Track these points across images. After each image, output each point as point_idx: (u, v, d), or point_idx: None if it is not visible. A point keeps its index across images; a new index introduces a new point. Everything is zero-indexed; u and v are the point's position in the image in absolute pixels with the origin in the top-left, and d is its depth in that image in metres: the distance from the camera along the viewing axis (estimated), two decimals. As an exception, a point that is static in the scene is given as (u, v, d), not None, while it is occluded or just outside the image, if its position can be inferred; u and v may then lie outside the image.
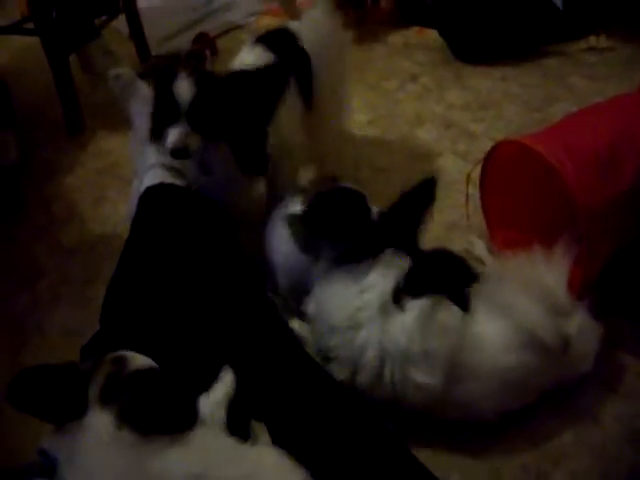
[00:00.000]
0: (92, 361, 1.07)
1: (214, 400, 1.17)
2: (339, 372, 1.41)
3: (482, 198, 1.91)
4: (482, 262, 1.86)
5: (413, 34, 3.08)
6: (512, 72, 2.74)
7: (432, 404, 1.40)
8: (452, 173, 2.21)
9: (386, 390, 1.38)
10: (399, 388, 1.37)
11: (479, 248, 1.90)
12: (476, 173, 1.88)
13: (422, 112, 2.55)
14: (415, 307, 1.36)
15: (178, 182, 1.81)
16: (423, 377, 1.35)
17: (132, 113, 1.99)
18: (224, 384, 1.21)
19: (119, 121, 2.51)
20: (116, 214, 2.17)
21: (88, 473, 0.96)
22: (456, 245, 1.92)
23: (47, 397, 1.01)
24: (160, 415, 1.01)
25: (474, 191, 1.93)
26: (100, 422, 0.98)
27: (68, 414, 1.00)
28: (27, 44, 3.09)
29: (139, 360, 1.09)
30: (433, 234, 1.95)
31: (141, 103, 1.95)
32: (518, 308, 1.39)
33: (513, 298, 1.42)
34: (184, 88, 1.57)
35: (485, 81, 2.70)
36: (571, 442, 1.45)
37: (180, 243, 1.63)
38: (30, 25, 2.66)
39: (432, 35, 2.99)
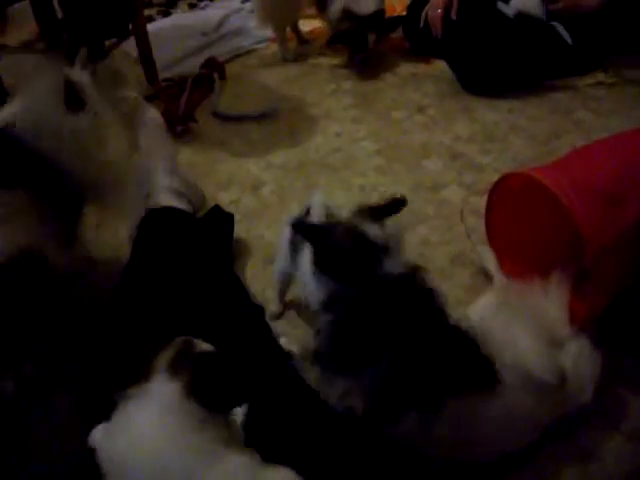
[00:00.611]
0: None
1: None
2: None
3: (487, 230, 1.89)
4: (490, 277, 1.84)
5: (422, 65, 3.09)
6: (519, 105, 2.73)
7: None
8: (457, 204, 2.19)
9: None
10: None
11: (489, 261, 1.87)
12: (479, 205, 1.87)
13: (429, 143, 2.55)
14: None
15: (182, 206, 1.82)
16: None
17: (138, 134, 2.00)
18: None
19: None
20: (116, 238, 2.14)
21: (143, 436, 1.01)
22: (460, 278, 1.91)
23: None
24: (224, 393, 1.08)
25: (478, 223, 1.92)
26: (167, 390, 1.03)
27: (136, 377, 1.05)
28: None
29: (204, 345, 1.14)
30: (437, 265, 1.95)
31: (146, 125, 1.97)
32: (517, 345, 1.37)
33: (511, 334, 1.39)
34: None
35: (492, 113, 2.70)
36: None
37: (179, 267, 1.64)
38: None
39: (441, 66, 2.99)
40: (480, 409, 1.31)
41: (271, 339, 1.59)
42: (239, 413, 1.21)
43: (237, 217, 2.07)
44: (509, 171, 1.83)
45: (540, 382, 1.33)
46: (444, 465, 1.37)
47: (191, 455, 1.00)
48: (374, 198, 2.25)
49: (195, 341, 1.13)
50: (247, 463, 1.04)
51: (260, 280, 1.90)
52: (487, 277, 1.86)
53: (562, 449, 1.46)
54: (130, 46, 3.12)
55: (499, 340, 1.38)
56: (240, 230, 2.09)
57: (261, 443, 1.13)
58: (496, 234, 1.88)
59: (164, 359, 1.07)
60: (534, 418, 1.37)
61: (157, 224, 1.78)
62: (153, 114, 2.01)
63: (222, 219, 1.99)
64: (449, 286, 1.87)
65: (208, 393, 1.04)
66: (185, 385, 1.03)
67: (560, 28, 2.70)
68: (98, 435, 1.06)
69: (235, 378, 1.10)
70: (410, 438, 1.34)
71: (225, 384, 1.08)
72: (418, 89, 2.92)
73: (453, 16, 2.85)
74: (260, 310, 1.71)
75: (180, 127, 2.63)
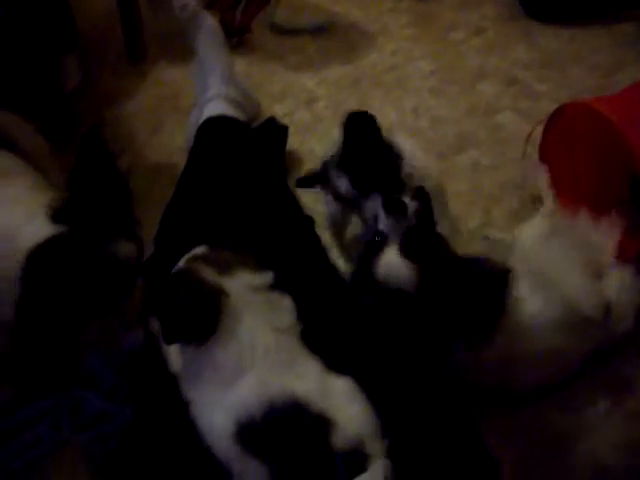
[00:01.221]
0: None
1: None
2: None
3: (541, 159, 1.88)
4: (540, 201, 1.82)
5: (484, -14, 3.00)
6: (582, 34, 2.65)
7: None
8: (510, 131, 2.18)
9: None
10: None
11: (542, 183, 1.83)
12: (536, 133, 1.86)
13: (485, 66, 2.51)
14: None
15: (238, 115, 1.83)
16: None
17: (196, 44, 2.00)
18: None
19: (180, 52, 2.54)
20: (172, 143, 2.18)
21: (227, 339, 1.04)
22: (508, 204, 1.91)
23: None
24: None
25: (532, 152, 1.91)
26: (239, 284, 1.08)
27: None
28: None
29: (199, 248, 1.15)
30: (485, 191, 1.96)
31: (207, 34, 1.96)
32: (563, 280, 1.39)
33: (558, 267, 1.41)
34: None
35: (553, 41, 2.63)
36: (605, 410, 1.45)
37: (235, 174, 1.66)
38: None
39: (503, -12, 2.91)
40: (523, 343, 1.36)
41: (320, 249, 1.62)
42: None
43: (290, 130, 2.09)
44: (566, 101, 1.81)
45: (585, 316, 1.36)
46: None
47: (275, 356, 1.06)
48: (424, 119, 2.25)
49: (195, 252, 1.14)
50: (317, 366, 1.09)
51: (310, 192, 1.93)
52: (535, 205, 1.86)
53: (597, 377, 1.50)
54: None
55: (545, 272, 1.41)
56: (292, 142, 2.12)
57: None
58: (550, 164, 1.87)
59: (212, 276, 1.08)
60: (576, 351, 1.41)
61: (213, 133, 1.79)
62: (212, 22, 2.00)
63: (276, 130, 2.00)
64: (497, 211, 1.89)
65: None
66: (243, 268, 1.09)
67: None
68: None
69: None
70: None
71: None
72: (478, 11, 2.85)
73: None
74: (310, 221, 1.73)
75: (236, 38, 2.63)
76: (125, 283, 1.30)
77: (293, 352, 1.09)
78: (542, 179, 1.83)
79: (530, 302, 1.39)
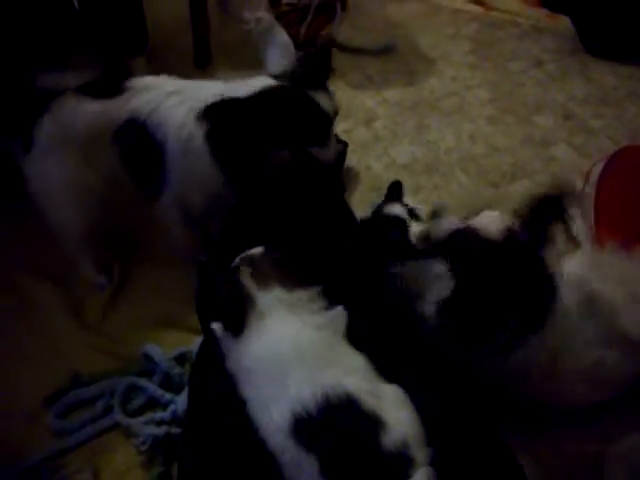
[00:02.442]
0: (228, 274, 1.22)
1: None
2: None
3: (597, 197, 1.91)
4: (574, 242, 1.84)
5: (545, 18, 3.04)
6: (640, 72, 2.69)
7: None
8: (564, 164, 2.22)
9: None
10: None
11: (577, 226, 1.85)
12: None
13: (543, 99, 2.55)
14: None
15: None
16: None
17: (267, 56, 2.07)
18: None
19: (246, 62, 2.62)
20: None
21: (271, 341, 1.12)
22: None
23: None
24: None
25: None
26: (271, 298, 1.15)
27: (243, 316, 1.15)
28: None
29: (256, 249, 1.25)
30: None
31: (279, 47, 2.04)
32: (615, 308, 1.42)
33: (609, 295, 1.44)
34: None
35: (611, 77, 2.66)
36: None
37: (297, 188, 1.72)
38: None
39: (564, 22, 2.93)
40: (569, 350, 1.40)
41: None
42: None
43: (349, 146, 2.15)
44: (621, 139, 1.84)
45: (629, 338, 1.39)
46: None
47: (315, 352, 1.11)
48: (481, 146, 2.29)
49: (248, 253, 1.24)
50: (365, 365, 1.13)
51: (365, 208, 1.97)
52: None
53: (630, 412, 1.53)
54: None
55: (593, 294, 1.44)
56: (351, 159, 2.19)
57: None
58: (605, 203, 1.90)
59: (249, 282, 1.17)
60: (620, 372, 1.44)
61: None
62: (285, 38, 2.08)
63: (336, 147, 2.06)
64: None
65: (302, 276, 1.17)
66: (282, 284, 1.15)
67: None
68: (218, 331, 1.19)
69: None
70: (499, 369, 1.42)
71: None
72: (538, 43, 2.89)
73: (584, -28, 2.79)
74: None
75: (300, 52, 2.69)
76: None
77: (337, 348, 1.14)
78: (578, 225, 1.86)
79: (577, 317, 1.43)
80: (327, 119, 1.56)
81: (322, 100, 1.54)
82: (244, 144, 1.54)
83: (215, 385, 1.22)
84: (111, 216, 1.80)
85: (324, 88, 1.59)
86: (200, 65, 2.75)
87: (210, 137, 1.53)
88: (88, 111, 1.59)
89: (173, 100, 1.55)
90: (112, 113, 1.58)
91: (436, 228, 1.43)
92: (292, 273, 1.17)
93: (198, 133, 1.54)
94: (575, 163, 2.18)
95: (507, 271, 1.32)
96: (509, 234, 1.33)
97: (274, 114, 1.51)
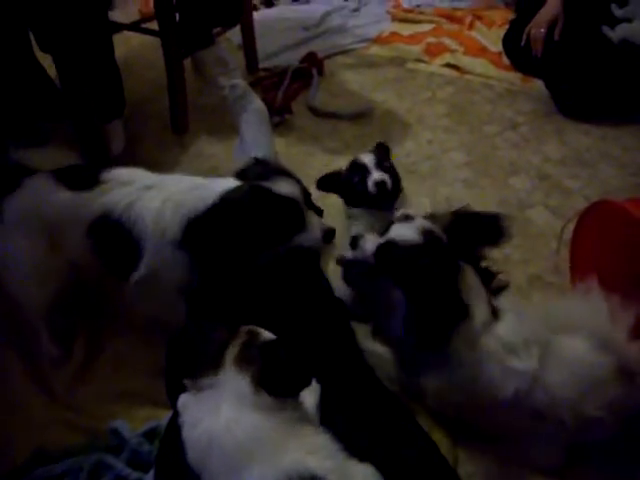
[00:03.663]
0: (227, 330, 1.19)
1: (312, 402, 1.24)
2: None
3: (572, 255, 1.90)
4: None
5: (518, 81, 3.09)
6: (613, 133, 2.72)
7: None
8: (541, 226, 2.22)
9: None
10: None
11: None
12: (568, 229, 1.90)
13: (518, 161, 2.57)
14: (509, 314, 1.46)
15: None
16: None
17: (241, 122, 2.07)
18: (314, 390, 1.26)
19: (222, 128, 2.63)
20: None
21: (223, 424, 1.06)
22: (536, 297, 1.94)
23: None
24: (291, 381, 1.13)
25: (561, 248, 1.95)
26: (237, 383, 1.09)
27: (207, 368, 1.12)
28: (143, 42, 3.25)
29: (267, 334, 1.19)
30: (515, 284, 1.97)
31: (252, 114, 2.04)
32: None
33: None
34: None
35: (585, 138, 2.69)
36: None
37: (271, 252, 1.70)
38: (149, 25, 2.80)
39: (537, 85, 3.00)
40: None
41: (349, 331, 1.64)
42: (313, 394, 1.26)
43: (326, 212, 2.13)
44: (597, 199, 1.85)
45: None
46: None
47: (272, 437, 1.07)
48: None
49: (259, 330, 1.19)
50: (329, 444, 1.09)
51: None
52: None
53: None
54: (233, 33, 3.22)
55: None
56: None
57: (336, 421, 1.19)
58: (580, 261, 1.90)
59: (232, 351, 1.13)
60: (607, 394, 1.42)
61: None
62: (259, 104, 2.08)
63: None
64: (525, 304, 1.90)
65: (276, 383, 1.10)
66: (253, 377, 1.09)
67: (666, 61, 2.67)
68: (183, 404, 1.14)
69: (299, 365, 1.14)
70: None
71: (290, 372, 1.13)
72: (512, 106, 2.93)
73: (556, 36, 2.85)
74: (340, 304, 1.76)
75: (277, 118, 2.71)
76: None
77: (299, 429, 1.10)
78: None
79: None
80: (296, 206, 1.55)
81: (286, 189, 1.54)
82: (221, 248, 1.55)
83: (182, 467, 1.16)
84: (75, 292, 1.77)
85: (285, 174, 1.60)
86: (177, 131, 2.75)
87: (185, 239, 1.54)
88: (61, 200, 1.61)
89: (148, 197, 1.56)
90: (86, 206, 1.59)
91: (361, 251, 1.53)
92: (270, 379, 1.11)
93: (174, 231, 1.55)
94: (551, 225, 2.18)
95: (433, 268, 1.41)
96: (429, 235, 1.46)
97: (243, 218, 1.52)
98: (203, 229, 1.52)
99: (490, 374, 1.40)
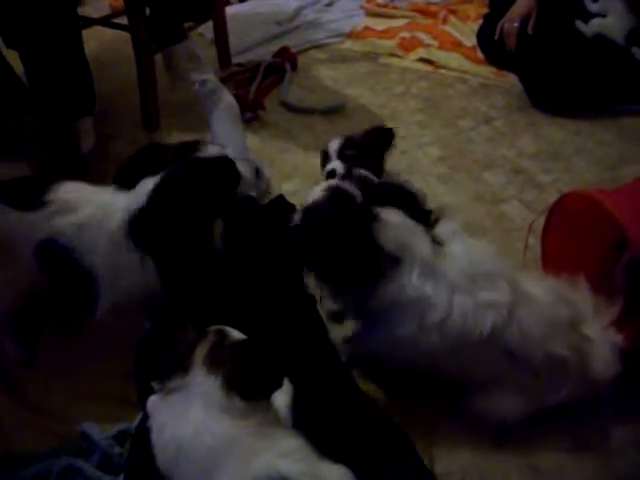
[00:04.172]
0: (196, 331, 1.17)
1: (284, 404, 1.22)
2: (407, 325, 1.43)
3: (543, 249, 1.90)
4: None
5: (492, 75, 3.08)
6: (587, 127, 2.72)
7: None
8: (515, 220, 2.21)
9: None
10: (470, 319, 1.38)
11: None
12: (538, 224, 1.90)
13: (493, 155, 2.56)
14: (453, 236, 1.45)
15: (248, 191, 1.86)
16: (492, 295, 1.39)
17: (212, 118, 2.05)
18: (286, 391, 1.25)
19: (194, 123, 2.59)
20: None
21: (192, 428, 1.04)
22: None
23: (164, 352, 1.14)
24: (262, 382, 1.11)
25: (535, 241, 1.94)
26: (206, 386, 1.07)
27: (175, 370, 1.09)
28: (115, 37, 3.19)
29: (236, 334, 1.17)
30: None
31: (224, 110, 2.01)
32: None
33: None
34: None
35: (559, 132, 2.69)
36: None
37: (242, 250, 1.69)
38: (120, 19, 2.75)
39: (511, 79, 3.00)
40: None
41: (323, 331, 1.63)
42: (286, 395, 1.26)
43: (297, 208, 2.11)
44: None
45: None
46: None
47: (242, 441, 1.05)
48: (431, 205, 2.27)
49: (228, 330, 1.17)
50: (302, 446, 1.07)
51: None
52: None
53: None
54: (205, 28, 3.19)
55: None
56: (300, 221, 2.13)
57: (308, 423, 1.18)
58: (551, 252, 1.89)
59: (200, 353, 1.11)
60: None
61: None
62: (230, 100, 2.05)
63: (285, 209, 2.03)
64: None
65: (246, 385, 1.08)
66: (224, 380, 1.07)
67: (638, 54, 2.68)
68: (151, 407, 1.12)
69: (271, 366, 1.13)
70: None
71: (262, 374, 1.11)
72: (486, 100, 2.93)
73: (530, 30, 2.86)
74: (312, 300, 1.75)
75: (249, 114, 2.68)
76: None
77: (270, 432, 1.09)
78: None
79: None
80: (226, 161, 1.60)
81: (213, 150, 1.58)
82: (174, 228, 1.53)
83: (150, 472, 1.14)
84: (36, 297, 1.71)
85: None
86: (148, 128, 2.71)
87: (136, 235, 1.52)
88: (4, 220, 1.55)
89: (93, 222, 1.53)
90: (32, 229, 1.54)
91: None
92: (240, 380, 1.09)
93: (126, 248, 1.53)
94: (526, 219, 2.17)
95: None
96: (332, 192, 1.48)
97: (185, 189, 1.52)
98: (150, 217, 1.50)
99: (463, 309, 1.37)
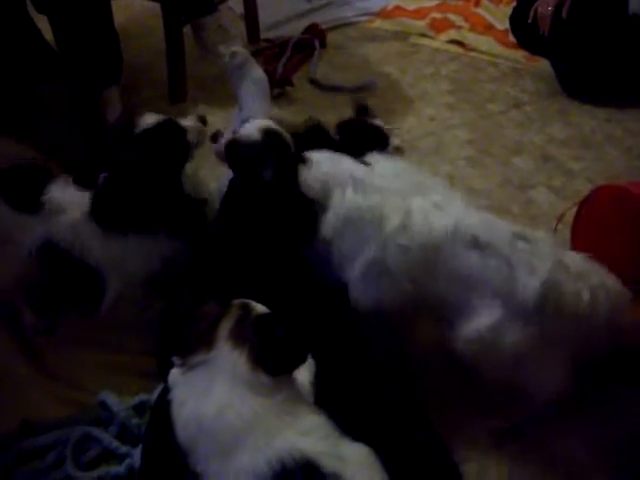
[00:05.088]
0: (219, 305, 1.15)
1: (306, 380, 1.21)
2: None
3: (573, 239, 1.87)
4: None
5: (523, 60, 3.03)
6: (619, 115, 2.67)
7: None
8: (543, 207, 2.19)
9: None
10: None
11: None
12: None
13: (522, 141, 2.53)
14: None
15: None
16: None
17: (241, 91, 2.02)
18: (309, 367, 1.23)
19: (221, 97, 2.58)
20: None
21: (214, 406, 1.03)
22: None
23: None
24: (287, 356, 1.09)
25: (563, 229, 1.92)
26: (231, 360, 1.06)
27: (198, 345, 1.08)
28: (143, 9, 3.19)
29: (260, 307, 1.16)
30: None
31: (253, 83, 1.99)
32: None
33: None
34: None
35: (590, 120, 2.65)
36: None
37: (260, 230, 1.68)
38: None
39: (543, 64, 2.94)
40: None
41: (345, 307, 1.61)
42: (308, 372, 1.24)
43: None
44: (600, 181, 1.82)
45: None
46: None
47: (265, 419, 1.04)
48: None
49: (252, 304, 1.15)
50: (324, 424, 1.06)
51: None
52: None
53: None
54: (235, 2, 3.16)
55: None
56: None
57: (331, 400, 1.16)
58: (581, 244, 1.86)
59: (225, 327, 1.09)
60: None
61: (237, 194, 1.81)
62: (260, 73, 2.03)
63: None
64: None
65: (272, 360, 1.07)
66: (249, 354, 1.06)
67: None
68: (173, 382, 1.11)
69: (297, 340, 1.11)
70: None
71: (288, 348, 1.09)
72: (517, 85, 2.88)
73: (564, 15, 2.79)
74: None
75: (277, 89, 2.66)
76: None
77: (292, 410, 1.07)
78: None
79: None
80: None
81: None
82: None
83: (169, 445, 1.13)
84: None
85: None
86: (175, 100, 2.70)
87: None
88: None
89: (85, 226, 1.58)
90: (29, 231, 1.59)
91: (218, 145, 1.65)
92: (266, 356, 1.08)
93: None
94: (553, 206, 2.15)
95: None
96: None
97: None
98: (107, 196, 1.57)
99: (421, 209, 1.40)
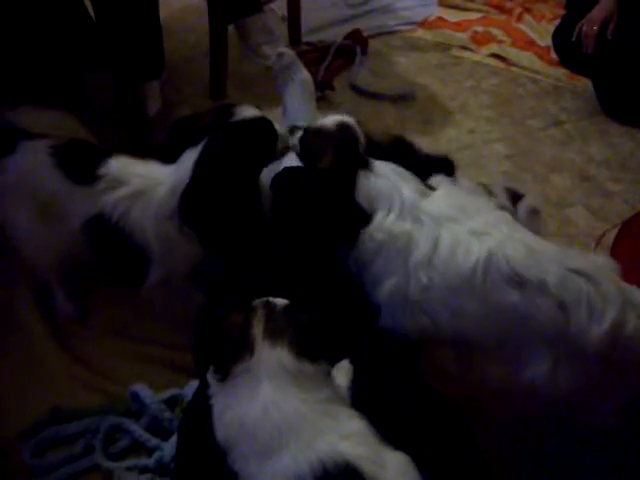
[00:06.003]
0: (243, 309, 1.13)
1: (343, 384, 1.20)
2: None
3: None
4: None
5: (565, 78, 3.02)
6: (658, 139, 2.65)
7: None
8: (580, 226, 2.17)
9: None
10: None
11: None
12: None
13: (560, 158, 2.51)
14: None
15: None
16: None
17: (286, 92, 2.03)
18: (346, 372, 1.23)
19: (260, 96, 2.58)
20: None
21: (260, 405, 1.02)
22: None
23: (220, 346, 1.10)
24: (324, 338, 1.09)
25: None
26: (275, 358, 1.05)
27: (236, 356, 1.07)
28: (184, 7, 3.22)
29: (281, 300, 1.15)
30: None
31: (299, 85, 2.00)
32: None
33: None
34: None
35: (629, 142, 2.63)
36: None
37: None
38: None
39: (584, 83, 2.92)
40: None
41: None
42: (345, 376, 1.23)
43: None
44: (639, 204, 1.80)
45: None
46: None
47: (308, 420, 1.03)
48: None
49: (273, 299, 1.14)
50: (364, 429, 1.06)
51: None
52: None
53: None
54: (279, 4, 3.16)
55: None
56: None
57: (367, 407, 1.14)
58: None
59: (258, 328, 1.08)
60: None
61: (288, 182, 1.81)
62: (306, 75, 2.03)
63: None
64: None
65: (312, 342, 1.07)
66: (290, 345, 1.06)
67: None
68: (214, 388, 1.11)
69: (327, 322, 1.12)
70: None
71: (322, 329, 1.10)
72: (557, 102, 2.87)
73: (609, 35, 2.78)
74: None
75: (318, 93, 2.66)
76: None
77: (334, 413, 1.06)
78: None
79: None
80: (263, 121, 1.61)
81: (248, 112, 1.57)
82: (222, 214, 1.56)
83: (206, 442, 1.12)
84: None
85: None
86: (215, 97, 2.71)
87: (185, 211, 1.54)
88: (57, 189, 1.58)
89: (141, 202, 1.55)
90: (83, 203, 1.57)
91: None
92: (307, 340, 1.08)
93: (173, 226, 1.55)
94: (591, 226, 2.13)
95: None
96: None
97: (233, 154, 1.54)
98: (197, 192, 1.52)
99: (451, 239, 1.33)
